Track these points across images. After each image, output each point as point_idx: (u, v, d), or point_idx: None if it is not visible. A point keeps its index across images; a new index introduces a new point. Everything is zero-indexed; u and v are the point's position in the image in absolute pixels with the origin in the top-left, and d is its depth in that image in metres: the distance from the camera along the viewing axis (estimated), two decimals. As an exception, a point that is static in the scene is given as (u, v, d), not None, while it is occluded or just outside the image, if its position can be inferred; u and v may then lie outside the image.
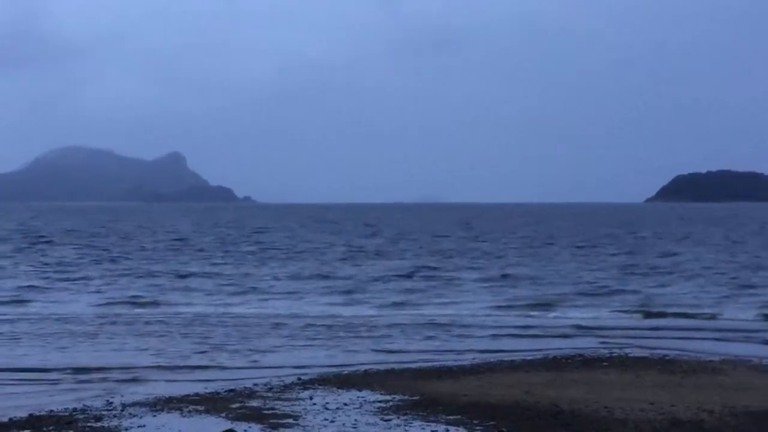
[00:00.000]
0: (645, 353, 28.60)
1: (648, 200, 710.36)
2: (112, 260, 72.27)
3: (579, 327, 36.01)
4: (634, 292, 48.38)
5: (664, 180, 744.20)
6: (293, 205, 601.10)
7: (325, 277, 57.65)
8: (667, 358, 27.58)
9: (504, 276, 57.33)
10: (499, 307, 42.39)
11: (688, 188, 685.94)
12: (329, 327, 35.74)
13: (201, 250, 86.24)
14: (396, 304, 43.37)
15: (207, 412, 20.14)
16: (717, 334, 33.76)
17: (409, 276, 58.00)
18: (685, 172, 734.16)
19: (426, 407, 20.33)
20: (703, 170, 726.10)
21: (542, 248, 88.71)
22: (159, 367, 26.79)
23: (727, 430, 18.20)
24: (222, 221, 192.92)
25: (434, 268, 63.64)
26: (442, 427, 18.54)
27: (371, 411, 20.16)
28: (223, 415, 19.77)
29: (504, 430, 18.23)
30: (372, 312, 40.96)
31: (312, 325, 36.41)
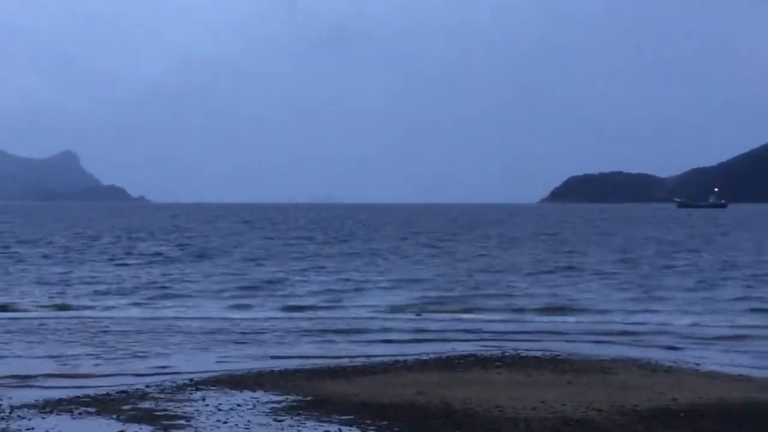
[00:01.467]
0: (537, 353, 28.90)
1: (542, 201, 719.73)
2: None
3: (473, 328, 36.29)
4: (529, 294, 48.81)
5: (558, 181, 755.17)
6: (190, 205, 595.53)
7: (226, 279, 57.25)
8: (558, 357, 27.91)
9: (403, 278, 57.47)
10: (395, 309, 42.50)
11: (580, 189, 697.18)
12: (224, 330, 35.54)
13: (100, 252, 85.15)
14: (293, 307, 43.23)
15: (98, 413, 19.91)
16: (611, 337, 34.17)
17: (306, 278, 57.85)
18: (579, 173, 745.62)
19: (319, 407, 20.35)
20: (596, 171, 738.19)
21: (441, 249, 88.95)
22: (49, 371, 26.31)
23: (616, 428, 18.49)
24: (120, 220, 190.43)
25: (331, 271, 63.57)
26: (335, 427, 18.56)
27: (264, 412, 20.13)
28: (115, 416, 19.56)
29: (397, 430, 18.33)
30: (268, 314, 40.81)
31: (207, 327, 36.21)
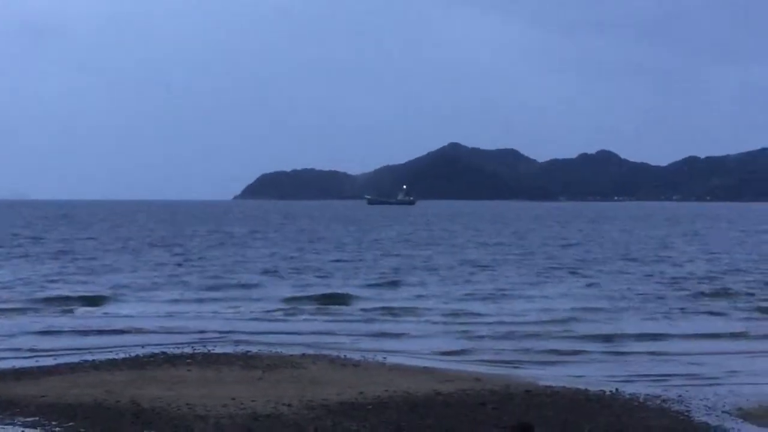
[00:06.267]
0: (229, 349, 28.91)
1: (235, 198, 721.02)
2: None
3: (165, 325, 35.81)
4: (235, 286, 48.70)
5: (251, 178, 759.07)
6: None
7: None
8: (249, 353, 28.01)
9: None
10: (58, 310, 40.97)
11: (273, 186, 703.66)
12: None
13: None
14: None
15: None
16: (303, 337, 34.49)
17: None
18: (271, 171, 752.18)
19: (2, 410, 19.69)
20: (288, 168, 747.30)
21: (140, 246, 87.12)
22: None
23: (305, 422, 18.79)
24: None
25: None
26: (18, 430, 18.03)
27: (-58, 416, 19.29)
28: None
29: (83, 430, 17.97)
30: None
31: None
